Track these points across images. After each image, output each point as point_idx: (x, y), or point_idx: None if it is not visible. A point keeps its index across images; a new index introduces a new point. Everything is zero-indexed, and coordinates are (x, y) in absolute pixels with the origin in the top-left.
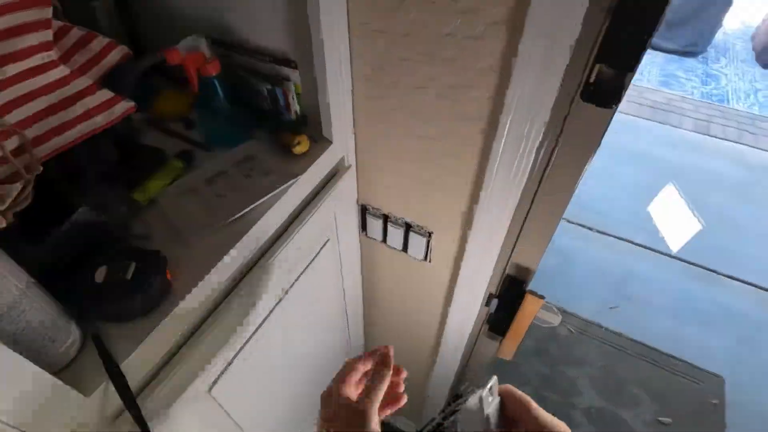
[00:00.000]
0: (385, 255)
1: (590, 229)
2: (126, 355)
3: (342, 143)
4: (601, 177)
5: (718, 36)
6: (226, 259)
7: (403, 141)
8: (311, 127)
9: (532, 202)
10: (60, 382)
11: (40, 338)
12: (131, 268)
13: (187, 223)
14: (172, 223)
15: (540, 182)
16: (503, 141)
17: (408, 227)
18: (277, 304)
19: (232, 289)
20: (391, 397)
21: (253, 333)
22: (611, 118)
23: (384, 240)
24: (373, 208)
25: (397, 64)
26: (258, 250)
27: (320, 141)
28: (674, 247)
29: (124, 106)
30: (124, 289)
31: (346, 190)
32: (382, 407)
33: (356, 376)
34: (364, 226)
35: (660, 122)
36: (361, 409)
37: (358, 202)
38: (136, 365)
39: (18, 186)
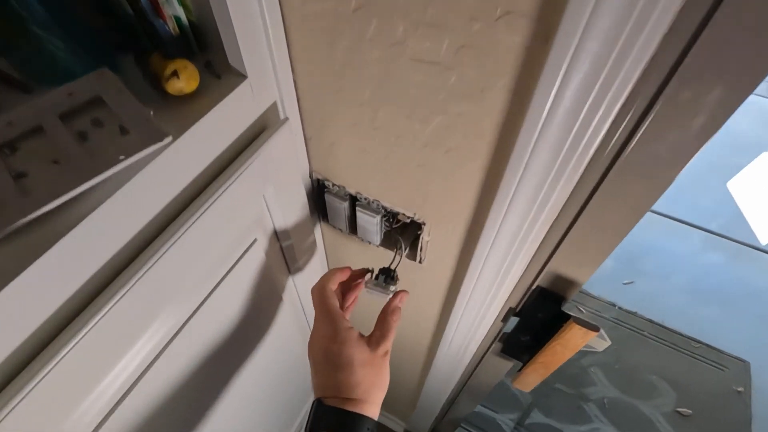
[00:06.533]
0: (352, 251)
1: None
2: None
3: (266, 79)
4: None
5: None
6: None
7: (383, 89)
8: (214, 53)
9: (595, 190)
10: None
11: None
12: None
13: None
14: None
15: (614, 161)
16: (553, 93)
17: (386, 214)
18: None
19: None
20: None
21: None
22: None
23: (353, 231)
24: (333, 185)
25: None
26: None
27: (226, 75)
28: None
29: None
30: None
31: (281, 159)
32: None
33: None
34: (324, 213)
35: None
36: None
37: (311, 176)
38: None
39: None
